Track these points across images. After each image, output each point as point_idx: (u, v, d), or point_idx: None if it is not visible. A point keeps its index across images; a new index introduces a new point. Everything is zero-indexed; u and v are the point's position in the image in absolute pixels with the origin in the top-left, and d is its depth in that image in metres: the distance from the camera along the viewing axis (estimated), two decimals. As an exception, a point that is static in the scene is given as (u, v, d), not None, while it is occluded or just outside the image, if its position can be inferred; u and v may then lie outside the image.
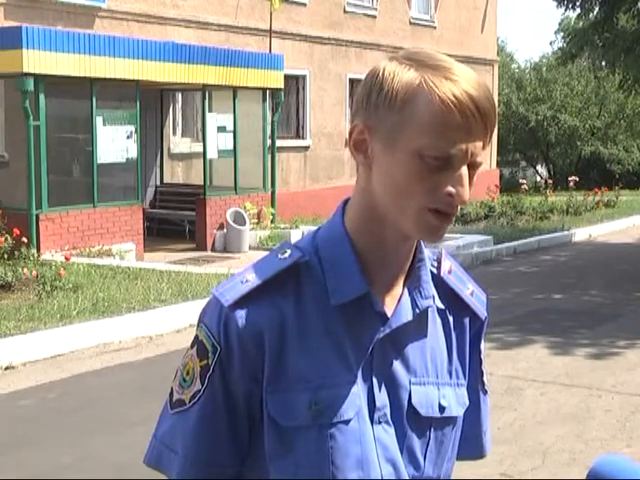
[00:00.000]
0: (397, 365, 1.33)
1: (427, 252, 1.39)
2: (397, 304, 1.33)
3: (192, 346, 1.33)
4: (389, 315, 1.32)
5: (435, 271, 1.40)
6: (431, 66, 1.25)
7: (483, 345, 1.48)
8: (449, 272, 1.42)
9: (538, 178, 36.43)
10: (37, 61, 11.52)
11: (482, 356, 1.48)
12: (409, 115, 1.23)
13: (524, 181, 24.99)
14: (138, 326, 8.48)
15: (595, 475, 1.41)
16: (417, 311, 1.34)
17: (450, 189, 1.24)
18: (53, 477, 5.00)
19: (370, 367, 1.30)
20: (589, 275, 12.49)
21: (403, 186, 1.24)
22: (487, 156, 24.38)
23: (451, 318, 1.41)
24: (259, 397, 1.28)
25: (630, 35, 15.95)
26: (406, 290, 1.34)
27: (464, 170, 1.24)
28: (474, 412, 1.46)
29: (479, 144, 1.24)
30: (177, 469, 1.31)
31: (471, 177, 1.26)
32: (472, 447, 1.49)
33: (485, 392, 1.50)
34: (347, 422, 1.28)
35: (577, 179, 22.87)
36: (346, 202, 1.36)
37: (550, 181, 23.95)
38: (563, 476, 5.00)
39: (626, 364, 7.60)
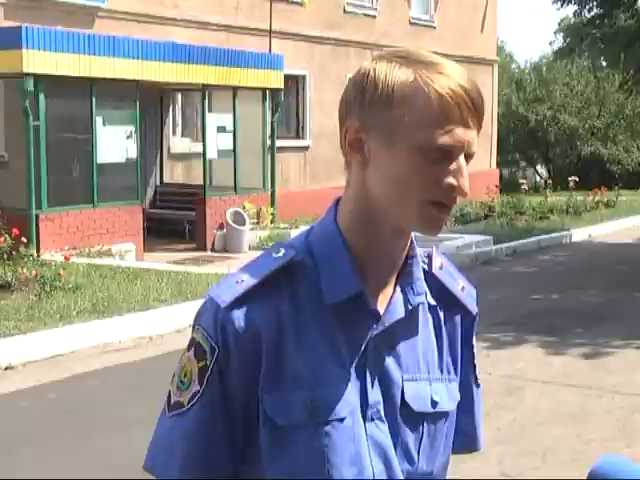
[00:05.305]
0: (390, 362, 1.33)
1: (418, 249, 1.40)
2: (389, 302, 1.33)
3: (188, 349, 1.33)
4: (382, 313, 1.32)
5: (426, 267, 1.41)
6: (421, 62, 1.27)
7: (475, 340, 1.49)
8: (440, 268, 1.43)
9: (538, 178, 36.39)
10: (37, 61, 11.52)
11: (474, 350, 1.49)
12: (407, 110, 1.25)
13: (524, 181, 24.96)
14: (138, 326, 8.48)
15: (596, 475, 1.41)
16: (409, 308, 1.35)
17: (452, 181, 1.26)
18: (53, 477, 5.00)
19: (363, 365, 1.31)
20: (589, 275, 12.48)
21: (404, 181, 1.25)
22: (487, 156, 24.38)
23: (442, 314, 1.42)
24: (256, 397, 1.28)
25: (631, 29, 15.87)
26: (398, 287, 1.35)
27: (462, 161, 1.27)
28: (468, 405, 1.48)
29: (474, 134, 1.27)
30: (175, 472, 1.30)
31: None
32: (467, 440, 1.51)
33: (478, 385, 1.51)
34: (341, 420, 1.28)
35: (577, 179, 22.82)
36: (338, 201, 1.37)
37: (550, 181, 23.92)
38: (563, 476, 5.00)
39: (626, 364, 7.60)
